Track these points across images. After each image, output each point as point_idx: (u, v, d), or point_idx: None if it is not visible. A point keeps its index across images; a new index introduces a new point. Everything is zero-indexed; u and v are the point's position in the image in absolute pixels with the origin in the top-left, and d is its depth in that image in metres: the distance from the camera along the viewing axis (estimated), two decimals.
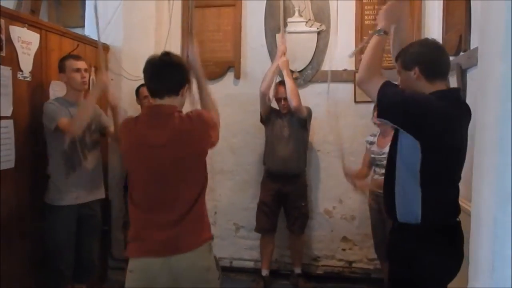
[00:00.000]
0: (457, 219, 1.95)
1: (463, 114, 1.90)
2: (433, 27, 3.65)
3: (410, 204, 1.85)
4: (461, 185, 2.63)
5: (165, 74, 1.90)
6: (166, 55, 1.94)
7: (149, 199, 1.88)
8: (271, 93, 3.67)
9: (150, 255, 1.84)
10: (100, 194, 3.06)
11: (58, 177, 2.81)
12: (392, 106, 1.83)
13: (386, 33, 1.96)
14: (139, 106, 3.61)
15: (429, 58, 1.87)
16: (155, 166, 1.85)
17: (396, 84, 1.92)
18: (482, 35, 1.46)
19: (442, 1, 3.33)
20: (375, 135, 3.31)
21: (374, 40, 1.94)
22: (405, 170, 1.86)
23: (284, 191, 3.64)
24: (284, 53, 3.65)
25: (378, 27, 1.96)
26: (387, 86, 1.84)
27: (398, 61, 1.99)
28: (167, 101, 1.90)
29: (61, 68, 2.88)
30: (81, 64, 2.89)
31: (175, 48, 3.81)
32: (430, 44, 1.96)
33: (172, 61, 1.92)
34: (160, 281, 1.83)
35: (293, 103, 3.51)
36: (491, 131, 1.31)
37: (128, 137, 1.92)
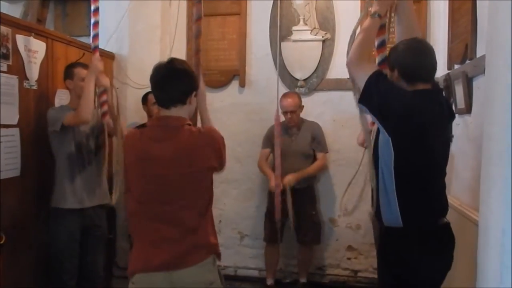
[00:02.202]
0: (445, 220, 1.92)
1: (442, 113, 1.88)
2: (439, 35, 3.64)
3: (391, 206, 1.85)
4: (465, 193, 2.64)
5: (170, 84, 1.84)
6: (171, 62, 1.88)
7: (152, 214, 1.81)
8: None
9: (153, 270, 1.79)
10: (104, 199, 3.04)
11: (63, 181, 2.81)
12: (372, 94, 1.83)
13: (380, 16, 1.95)
14: (145, 113, 3.62)
15: (408, 62, 1.87)
16: (160, 180, 1.79)
17: (385, 75, 1.92)
18: (490, 45, 1.45)
19: (447, 10, 3.32)
20: None
21: (367, 22, 1.95)
22: (384, 169, 1.86)
23: (291, 202, 3.59)
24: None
25: (373, 10, 1.96)
26: (376, 74, 1.85)
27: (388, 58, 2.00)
28: (174, 111, 1.84)
29: (69, 75, 2.88)
30: None
31: (180, 57, 3.81)
32: (413, 46, 1.91)
33: (176, 69, 1.86)
34: None
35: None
36: (498, 141, 1.30)
37: (132, 150, 1.87)
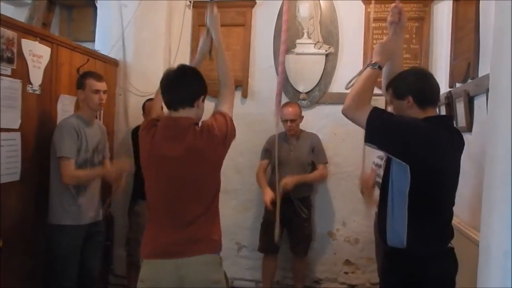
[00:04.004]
0: (450, 245, 1.93)
1: (455, 140, 1.91)
2: (441, 54, 3.67)
3: (397, 228, 1.86)
4: (466, 212, 2.64)
5: (178, 87, 1.92)
6: (181, 67, 1.97)
7: (162, 207, 1.93)
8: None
9: (160, 257, 1.89)
10: (100, 215, 3.04)
11: (65, 199, 2.76)
12: (379, 132, 1.86)
13: (380, 68, 1.99)
14: None
15: (421, 87, 1.92)
16: (169, 177, 1.90)
17: (383, 110, 1.96)
18: (494, 67, 1.46)
19: (450, 28, 3.35)
20: (382, 158, 3.30)
21: (367, 72, 1.97)
22: (396, 194, 1.88)
23: (289, 212, 3.60)
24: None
25: (374, 61, 1.99)
26: (375, 112, 1.87)
27: (389, 90, 2.02)
28: (182, 113, 1.92)
29: (81, 85, 2.86)
30: (102, 86, 2.88)
31: None
32: (421, 73, 2.01)
33: (185, 73, 1.95)
34: None
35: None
36: (502, 163, 1.30)
37: (145, 145, 1.97)
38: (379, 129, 1.85)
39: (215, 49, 2.26)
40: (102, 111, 3.35)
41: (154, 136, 1.93)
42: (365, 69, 2.00)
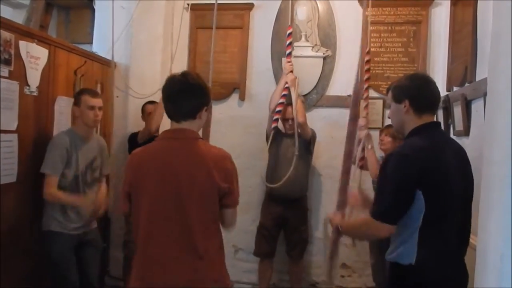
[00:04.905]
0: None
1: (457, 156, 1.88)
2: (439, 58, 3.68)
3: (406, 245, 1.79)
4: None
5: (181, 99, 1.83)
6: (185, 76, 1.85)
7: (159, 230, 1.77)
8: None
9: None
10: (94, 223, 3.00)
11: (54, 206, 2.75)
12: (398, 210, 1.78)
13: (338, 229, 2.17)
14: (143, 123, 3.62)
15: (418, 92, 1.89)
16: (171, 193, 1.76)
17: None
18: (492, 71, 1.47)
19: (448, 32, 3.36)
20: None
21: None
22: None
23: (285, 215, 3.61)
24: (291, 71, 3.60)
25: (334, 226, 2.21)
26: (383, 211, 1.80)
27: (389, 93, 2.02)
28: (185, 125, 1.83)
29: (76, 102, 2.85)
30: (97, 102, 2.85)
31: (181, 68, 3.83)
32: (420, 78, 1.99)
33: (189, 84, 1.83)
34: None
35: (299, 119, 3.50)
36: (499, 166, 1.30)
37: (136, 168, 1.85)
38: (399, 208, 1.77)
39: None
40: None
41: (149, 153, 1.84)
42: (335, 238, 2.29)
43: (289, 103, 3.61)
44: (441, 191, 1.75)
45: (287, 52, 3.64)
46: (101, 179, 3.03)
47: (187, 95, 1.83)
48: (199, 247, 1.75)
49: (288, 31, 3.62)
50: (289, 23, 3.77)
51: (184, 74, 1.87)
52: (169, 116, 1.88)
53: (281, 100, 3.57)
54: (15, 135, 2.65)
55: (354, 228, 2.09)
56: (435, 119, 1.97)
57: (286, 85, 3.58)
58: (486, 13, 2.48)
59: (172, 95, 1.84)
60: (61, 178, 2.73)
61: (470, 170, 1.90)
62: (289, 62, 3.61)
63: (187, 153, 1.79)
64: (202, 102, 1.86)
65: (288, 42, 3.61)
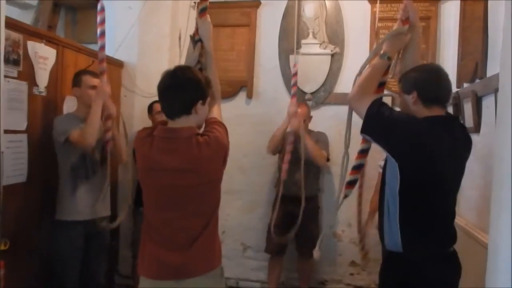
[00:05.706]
0: (451, 249, 1.89)
1: (457, 142, 1.86)
2: (448, 54, 3.64)
3: (393, 231, 1.84)
4: (472, 212, 2.61)
5: (172, 96, 1.80)
6: (174, 72, 1.82)
7: (160, 221, 1.85)
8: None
9: (160, 278, 1.82)
10: (106, 212, 3.01)
11: (66, 193, 2.79)
12: (374, 124, 1.84)
13: (389, 58, 1.96)
14: (150, 122, 3.62)
15: (427, 84, 1.87)
16: (167, 190, 1.81)
17: (383, 103, 1.91)
18: (503, 65, 1.44)
19: (458, 28, 3.32)
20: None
21: (375, 61, 1.96)
22: (389, 195, 1.86)
23: (296, 213, 3.57)
24: (296, 114, 3.42)
25: (383, 51, 1.96)
26: (375, 103, 1.85)
27: (399, 83, 1.99)
28: (180, 122, 1.80)
29: (76, 83, 2.86)
30: (98, 82, 2.86)
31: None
32: (431, 69, 1.96)
33: (178, 80, 1.80)
34: None
35: (317, 161, 3.50)
36: (510, 163, 1.28)
37: (141, 157, 1.86)
38: (375, 121, 1.83)
39: (205, 57, 2.14)
40: None
41: (151, 147, 1.80)
42: (372, 54, 1.99)
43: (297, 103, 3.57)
44: (420, 167, 1.77)
45: (292, 92, 3.49)
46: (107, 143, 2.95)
47: (177, 90, 1.80)
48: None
49: (294, 69, 3.46)
50: (299, 19, 3.72)
51: (174, 70, 1.84)
52: (165, 114, 1.85)
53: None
54: (25, 135, 2.67)
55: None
56: (445, 113, 1.93)
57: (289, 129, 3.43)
58: (497, 8, 2.45)
59: (164, 92, 1.82)
60: (67, 156, 2.76)
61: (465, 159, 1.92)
62: (294, 103, 3.45)
63: (180, 160, 1.77)
64: (195, 95, 1.80)
65: (293, 82, 3.46)
